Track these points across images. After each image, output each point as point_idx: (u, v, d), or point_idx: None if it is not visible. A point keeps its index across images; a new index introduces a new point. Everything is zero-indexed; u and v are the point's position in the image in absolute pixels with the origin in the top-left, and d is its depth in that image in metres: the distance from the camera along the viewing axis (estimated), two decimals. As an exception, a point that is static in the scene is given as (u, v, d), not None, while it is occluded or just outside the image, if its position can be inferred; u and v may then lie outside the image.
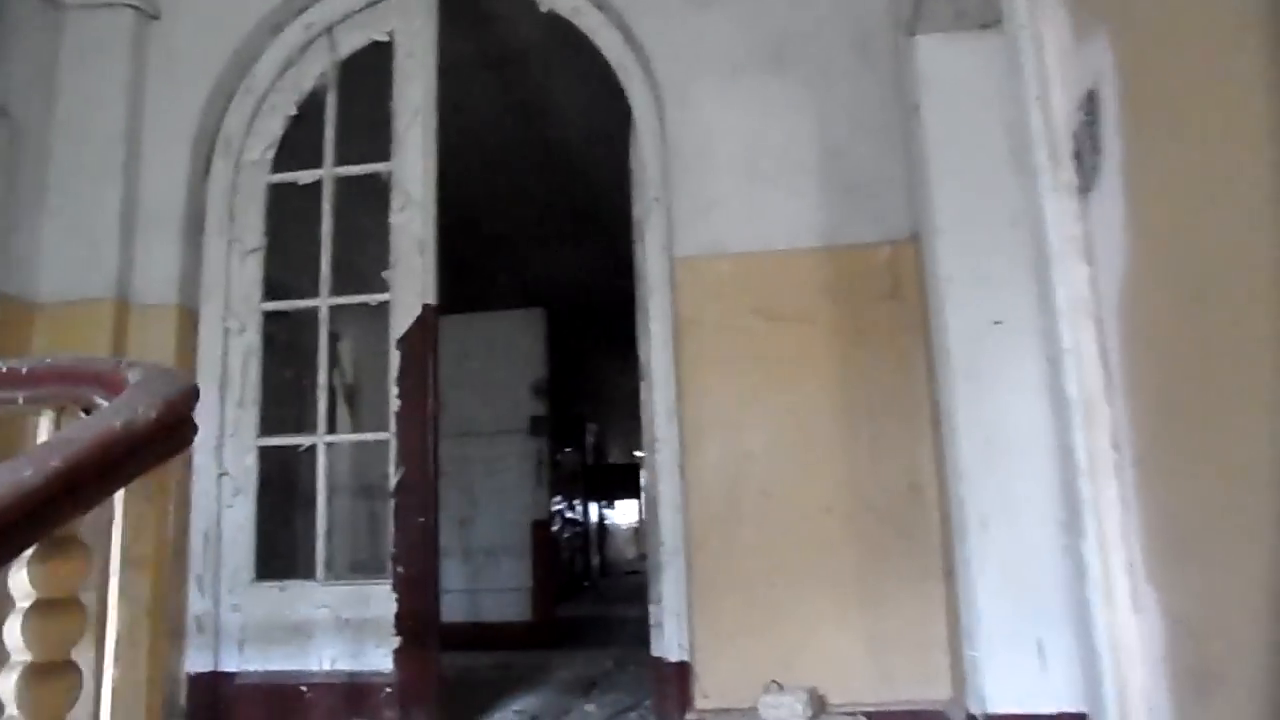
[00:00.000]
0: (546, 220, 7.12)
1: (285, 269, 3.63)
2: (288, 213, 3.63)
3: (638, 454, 19.79)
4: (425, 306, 3.40)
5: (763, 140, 3.22)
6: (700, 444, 3.08)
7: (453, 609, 5.76)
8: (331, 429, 3.46)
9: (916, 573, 2.87)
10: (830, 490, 2.96)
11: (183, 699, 3.29)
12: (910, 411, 2.95)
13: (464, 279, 7.73)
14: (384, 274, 3.46)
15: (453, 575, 5.90)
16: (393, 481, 3.32)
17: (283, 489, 3.65)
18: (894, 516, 2.92)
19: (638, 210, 3.43)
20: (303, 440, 3.44)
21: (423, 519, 3.29)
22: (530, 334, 6.09)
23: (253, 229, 3.58)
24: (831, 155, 3.18)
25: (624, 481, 15.30)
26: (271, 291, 3.57)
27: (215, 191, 3.59)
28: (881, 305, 3.05)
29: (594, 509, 14.54)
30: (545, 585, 5.82)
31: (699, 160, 3.23)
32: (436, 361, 3.40)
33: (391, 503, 3.32)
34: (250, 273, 3.55)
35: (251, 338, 3.52)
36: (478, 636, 5.73)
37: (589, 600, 9.80)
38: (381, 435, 3.38)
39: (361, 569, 4.55)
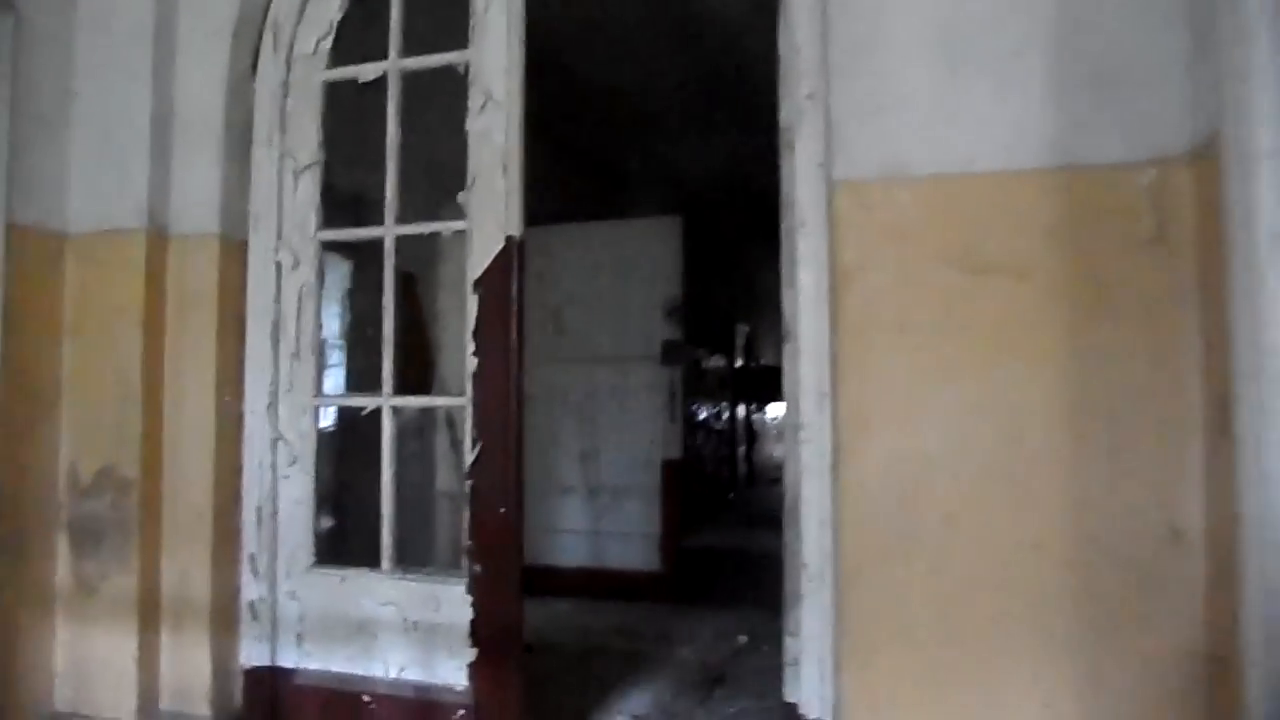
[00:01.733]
0: (690, 105, 6.21)
1: (347, 189, 2.97)
2: (347, 121, 2.94)
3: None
4: (508, 240, 2.67)
5: (963, 8, 2.24)
6: (861, 441, 2.26)
7: (573, 551, 5.25)
8: (405, 389, 2.84)
9: (1164, 654, 2.00)
10: (1043, 521, 2.10)
11: (238, 696, 2.85)
12: (1174, 418, 2.02)
13: (591, 176, 6.95)
14: (460, 196, 2.73)
15: (574, 514, 5.36)
16: (467, 460, 2.68)
17: (350, 457, 3.09)
18: (1138, 567, 2.03)
19: (786, 112, 2.53)
20: (365, 401, 2.84)
21: (504, 509, 2.65)
22: (665, 246, 5.29)
23: (307, 140, 2.91)
24: (1070, 29, 2.17)
25: (776, 383, 14.50)
26: (331, 217, 2.92)
27: (263, 94, 2.93)
28: (1137, 256, 2.08)
29: (743, 413, 13.87)
30: (675, 532, 5.19)
31: (872, 39, 2.30)
32: (522, 309, 2.69)
33: (466, 485, 2.69)
34: (305, 194, 2.91)
35: (307, 273, 2.90)
36: (599, 584, 5.21)
37: (731, 522, 9.19)
38: (456, 400, 2.72)
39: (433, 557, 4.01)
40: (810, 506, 2.38)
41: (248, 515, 2.87)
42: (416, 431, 3.27)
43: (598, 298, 5.36)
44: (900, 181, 2.23)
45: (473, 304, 2.69)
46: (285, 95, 2.93)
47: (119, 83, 2.84)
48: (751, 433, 14.80)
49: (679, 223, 5.32)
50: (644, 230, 5.38)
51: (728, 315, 12.37)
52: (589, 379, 5.36)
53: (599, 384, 5.34)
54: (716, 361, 11.68)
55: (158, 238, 2.83)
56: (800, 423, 2.40)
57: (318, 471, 2.90)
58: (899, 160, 2.23)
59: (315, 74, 2.92)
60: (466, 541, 2.68)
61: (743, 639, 4.28)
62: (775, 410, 16.30)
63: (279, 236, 2.91)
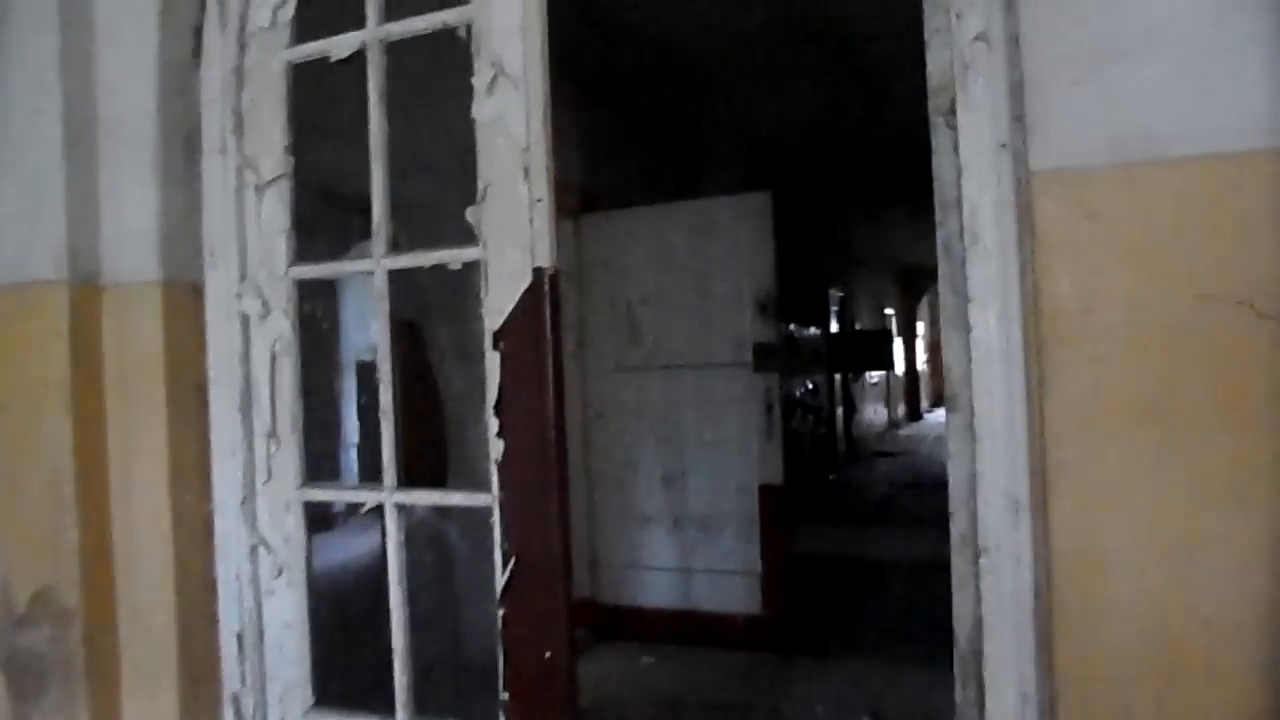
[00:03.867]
0: (764, 52, 5.30)
1: (326, 208, 2.22)
2: (320, 114, 2.19)
3: (889, 312, 17.78)
4: (537, 273, 1.88)
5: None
6: (1091, 585, 1.42)
7: (659, 592, 4.52)
8: (409, 478, 2.10)
9: None
10: None
11: None
12: None
13: (659, 147, 6.09)
14: (468, 213, 1.96)
15: (659, 550, 4.62)
16: (499, 581, 1.93)
17: (345, 566, 2.38)
18: None
19: (936, 65, 1.67)
20: (362, 496, 2.11)
21: (550, 652, 1.89)
22: (753, 229, 4.43)
23: (271, 144, 2.17)
24: None
25: (874, 350, 13.51)
26: (310, 246, 2.19)
27: (210, 85, 2.20)
28: None
29: (839, 382, 12.90)
30: (778, 569, 4.39)
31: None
32: (560, 367, 1.91)
33: (499, 615, 1.94)
34: (272, 217, 2.18)
35: (281, 324, 2.18)
36: (690, 629, 4.47)
37: (836, 514, 8.31)
38: (478, 498, 1.97)
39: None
40: (1001, 669, 1.55)
41: (226, 644, 2.20)
42: (435, 531, 2.54)
43: (677, 293, 4.56)
44: (1150, 169, 1.36)
45: (493, 364, 1.92)
46: (240, 86, 2.19)
47: (21, 86, 2.14)
48: (850, 403, 13.82)
49: (768, 200, 4.45)
50: (727, 210, 4.53)
51: (820, 280, 11.40)
52: (669, 390, 4.57)
53: (681, 396, 4.55)
54: (810, 331, 10.75)
55: (85, 289, 2.14)
56: (981, 542, 1.58)
57: (313, 584, 2.20)
58: (1146, 135, 1.35)
59: (276, 54, 2.17)
60: (503, 692, 1.94)
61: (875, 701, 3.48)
62: (874, 376, 15.26)
63: (242, 276, 2.19)
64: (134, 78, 2.14)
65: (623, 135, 5.45)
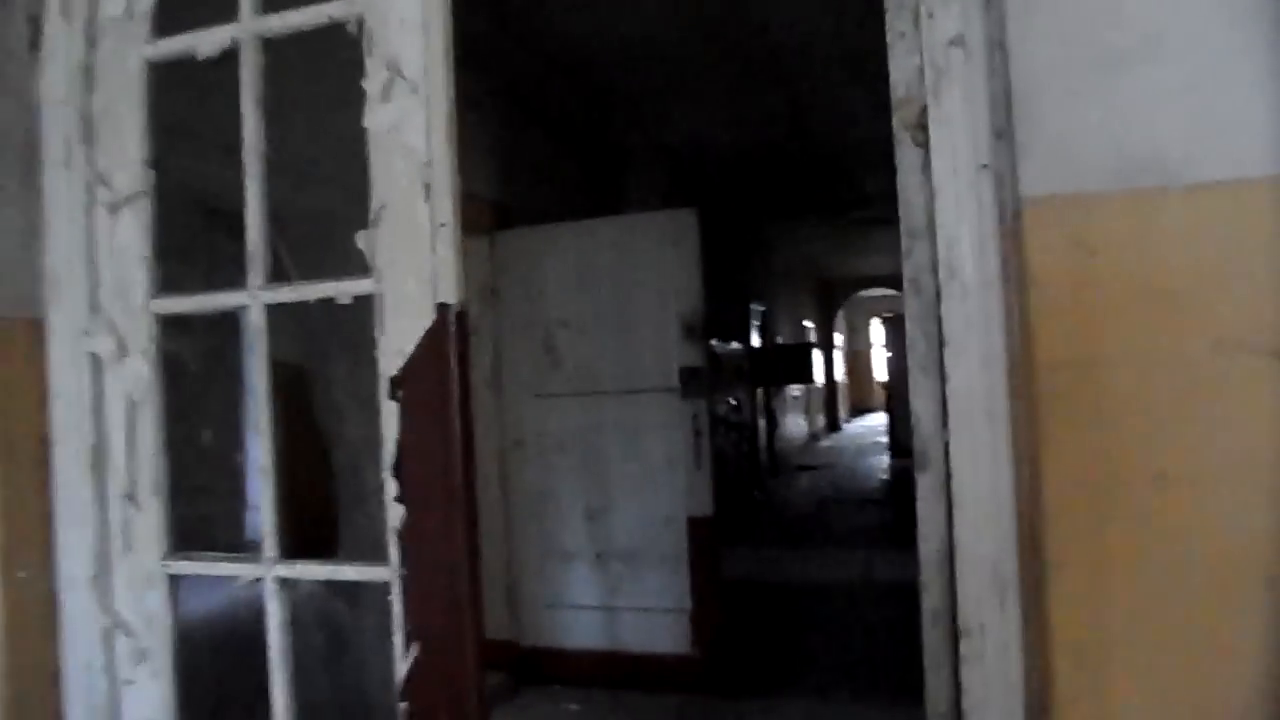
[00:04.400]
0: (692, 61, 5.13)
1: (209, 232, 1.91)
2: (186, 122, 1.88)
3: (807, 324, 17.83)
4: (441, 309, 1.61)
5: None
6: (1094, 694, 1.21)
7: (583, 632, 4.25)
8: (296, 547, 1.79)
9: None
10: None
11: None
12: None
13: (580, 159, 5.86)
14: (359, 238, 1.68)
15: (581, 588, 4.35)
16: (399, 671, 1.64)
17: (220, 647, 2.05)
18: None
19: (901, 72, 1.46)
20: (237, 570, 1.79)
21: (459, 760, 1.61)
22: (678, 247, 4.21)
23: (127, 155, 1.85)
24: None
25: (796, 364, 13.48)
26: (172, 276, 1.87)
27: (52, 84, 1.87)
28: None
29: (761, 397, 12.80)
30: (709, 605, 4.16)
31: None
32: (469, 420, 1.64)
33: (399, 710, 1.65)
34: (129, 240, 1.85)
35: (140, 366, 1.85)
36: (617, 671, 4.21)
37: (764, 533, 8.16)
38: (374, 571, 1.68)
39: None
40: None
41: (73, 746, 1.85)
42: (327, 608, 2.22)
43: (599, 315, 4.31)
44: (1160, 196, 1.17)
45: (390, 415, 1.64)
46: (89, 87, 1.86)
47: None
48: (772, 417, 13.76)
49: (694, 217, 4.23)
50: (651, 228, 4.30)
51: (742, 295, 11.30)
52: (592, 417, 4.32)
53: (605, 423, 4.30)
54: (733, 347, 10.62)
55: (-107, 326, 1.78)
56: (962, 622, 1.36)
57: (185, 670, 1.88)
58: (1160, 156, 1.16)
59: (132, 49, 1.85)
60: (405, 802, 1.65)
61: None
62: (795, 390, 15.25)
63: (93, 310, 1.86)
64: (-44, 75, 1.80)
65: (541, 148, 5.19)
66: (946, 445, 1.38)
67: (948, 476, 1.39)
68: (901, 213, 1.47)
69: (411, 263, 1.62)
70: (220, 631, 1.92)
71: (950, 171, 1.36)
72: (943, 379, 1.38)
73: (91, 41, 1.86)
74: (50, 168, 1.86)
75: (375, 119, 1.65)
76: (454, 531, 1.62)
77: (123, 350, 1.85)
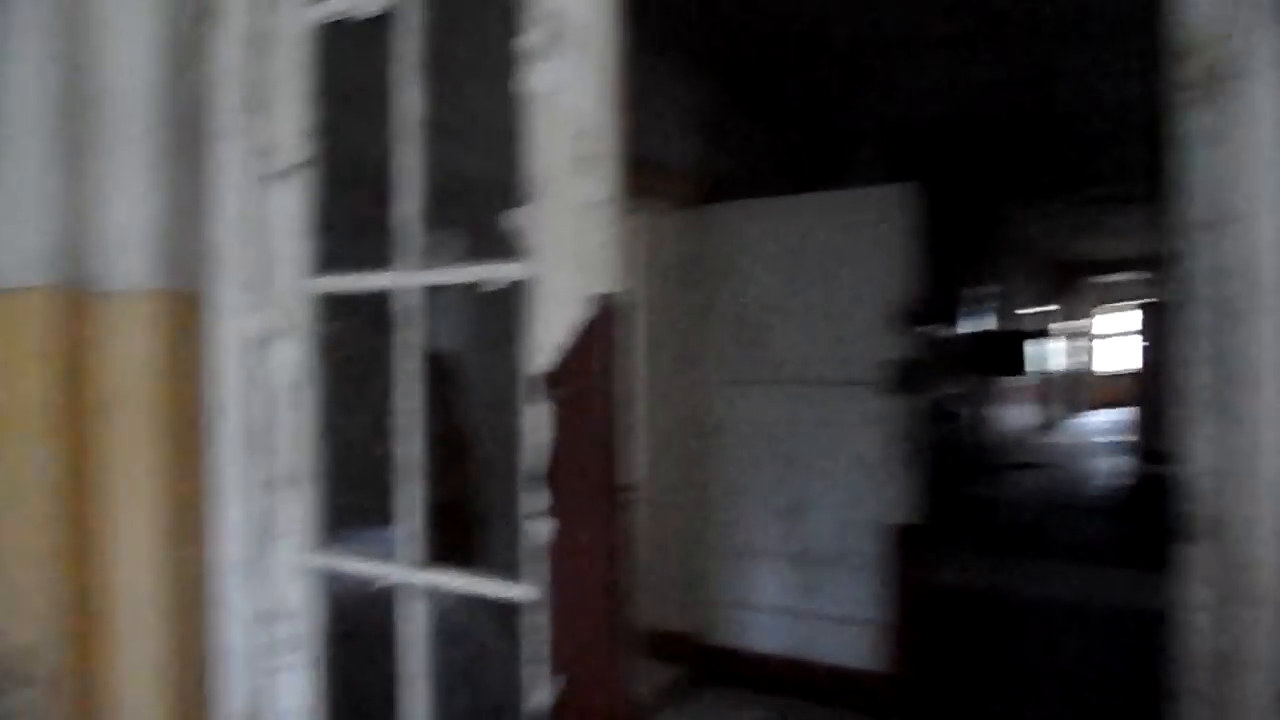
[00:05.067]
0: (918, 16, 4.62)
1: (353, 204, 1.79)
2: (344, 89, 1.75)
3: (1037, 310, 16.51)
4: (602, 302, 1.39)
5: None
6: None
7: (769, 635, 3.99)
8: (438, 552, 1.65)
9: None
10: None
11: None
12: None
13: (788, 128, 5.48)
14: (511, 217, 1.49)
15: (770, 588, 4.08)
16: (535, 697, 1.45)
17: (365, 643, 1.95)
18: None
19: (1196, 13, 1.08)
20: (381, 571, 1.67)
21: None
22: (896, 224, 3.81)
23: (290, 124, 1.76)
24: None
25: (1015, 353, 12.42)
26: (329, 253, 1.76)
27: (222, 53, 1.80)
28: None
29: (986, 387, 11.89)
30: (911, 622, 3.78)
31: None
32: (620, 428, 1.42)
33: (536, 753, 1.47)
34: (288, 214, 1.76)
35: (297, 348, 1.77)
36: (805, 680, 3.92)
37: (977, 542, 7.51)
38: (515, 590, 1.50)
39: None
40: None
41: (225, 731, 1.82)
42: (465, 623, 2.06)
43: (805, 298, 3.99)
44: None
45: (538, 418, 1.44)
46: (256, 54, 1.78)
47: (9, 61, 1.80)
48: (995, 409, 12.78)
49: (915, 192, 3.81)
50: (868, 204, 3.92)
51: (969, 278, 10.48)
52: (791, 408, 4.02)
53: (805, 415, 3.99)
54: (956, 333, 9.87)
55: (71, 299, 1.78)
56: None
57: (334, 664, 1.80)
58: None
59: (296, 14, 1.74)
60: None
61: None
62: (1023, 378, 14.09)
63: (252, 286, 1.78)
64: (131, 47, 1.76)
65: (745, 116, 4.88)
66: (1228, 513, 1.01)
67: (1226, 552, 1.02)
68: (1178, 197, 1.09)
69: (567, 245, 1.41)
70: (365, 627, 1.82)
71: (1265, 143, 0.97)
72: (1232, 419, 1.00)
73: (259, 7, 1.77)
74: (216, 140, 1.80)
75: (534, 80, 1.44)
76: (608, 552, 1.41)
77: (279, 330, 1.77)
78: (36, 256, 1.75)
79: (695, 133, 4.28)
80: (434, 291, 1.61)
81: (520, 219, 1.46)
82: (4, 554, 1.81)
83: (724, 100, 4.58)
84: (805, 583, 3.96)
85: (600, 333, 1.40)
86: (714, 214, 4.23)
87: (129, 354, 1.76)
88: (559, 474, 1.44)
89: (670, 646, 4.30)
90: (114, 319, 1.78)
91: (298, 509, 1.77)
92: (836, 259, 3.89)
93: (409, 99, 1.58)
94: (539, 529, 1.45)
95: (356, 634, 1.83)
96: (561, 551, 1.44)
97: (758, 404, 4.08)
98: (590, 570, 1.42)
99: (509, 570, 1.50)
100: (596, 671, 1.43)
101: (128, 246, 1.76)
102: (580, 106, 1.39)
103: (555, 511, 1.44)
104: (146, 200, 1.74)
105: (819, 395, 3.92)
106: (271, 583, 1.80)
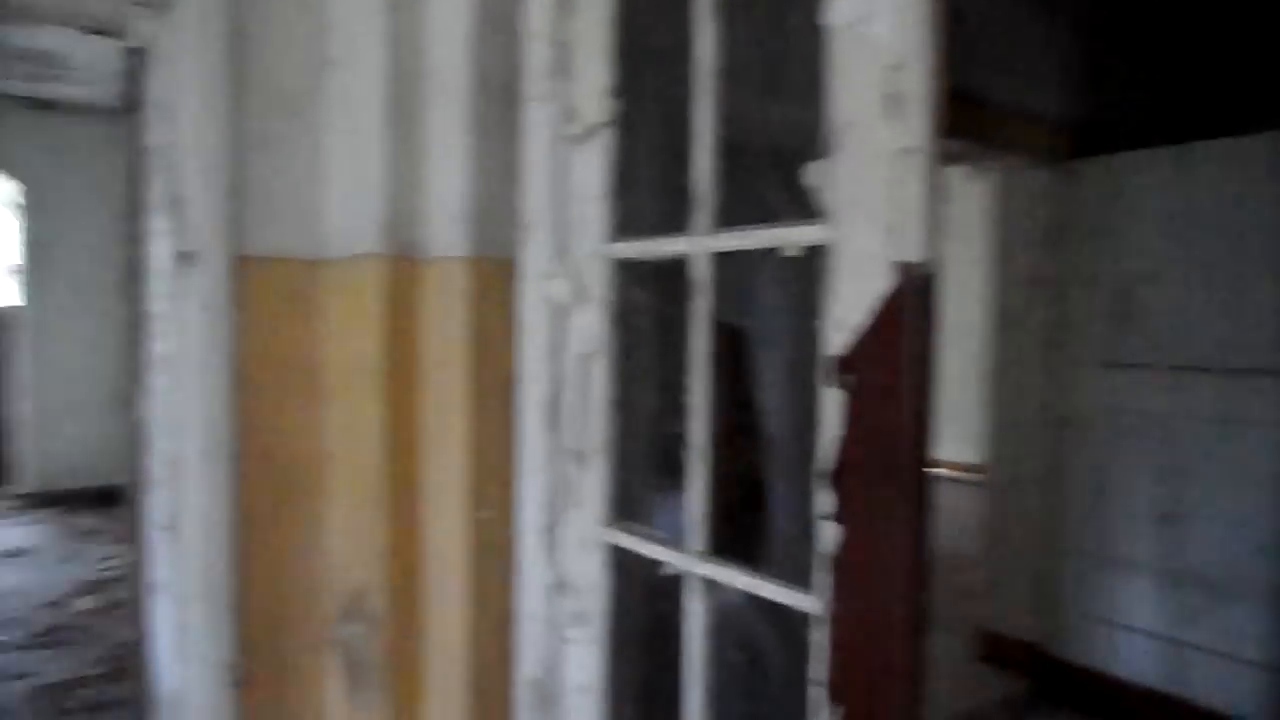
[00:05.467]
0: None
1: (648, 165, 1.69)
2: (647, 47, 1.65)
3: None
4: (907, 271, 1.16)
5: None
6: None
7: (1135, 661, 3.45)
8: (721, 543, 1.51)
9: None
10: None
11: None
12: None
13: (1173, 65, 4.56)
14: (809, 172, 1.29)
15: (1139, 607, 3.50)
16: (815, 730, 1.28)
17: (649, 625, 1.85)
18: None
19: None
20: (664, 556, 1.57)
21: None
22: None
23: (592, 84, 1.70)
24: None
25: None
26: (628, 217, 1.68)
27: (534, 13, 1.77)
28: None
29: None
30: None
31: None
32: (919, 426, 1.18)
33: (814, 780, 1.30)
34: (589, 177, 1.71)
35: (593, 316, 1.72)
36: (1164, 718, 3.32)
37: None
38: (797, 598, 1.33)
39: None
40: None
41: (520, 691, 1.85)
42: (746, 621, 1.84)
43: (1198, 267, 3.33)
44: None
45: (830, 407, 1.25)
46: (566, 14, 1.73)
47: (345, 35, 1.92)
48: None
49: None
50: (1274, 152, 3.15)
51: None
52: (1176, 399, 3.38)
53: (1193, 408, 3.34)
54: None
55: (402, 264, 1.87)
56: None
57: (618, 641, 1.76)
58: None
59: (603, -34, 1.67)
60: None
61: None
62: None
63: (556, 252, 1.76)
64: (451, 18, 1.80)
65: (1122, 51, 4.14)
66: None
67: None
68: None
69: (871, 203, 1.20)
70: (650, 610, 1.75)
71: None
72: None
73: (570, -38, 1.72)
74: (527, 103, 1.79)
75: (835, 9, 1.23)
76: (900, 571, 1.20)
77: (579, 296, 1.73)
78: (374, 225, 1.86)
79: (1063, 77, 3.71)
80: (728, 258, 1.47)
81: (819, 174, 1.26)
82: (350, 500, 1.98)
83: (1100, 40, 3.93)
84: (1179, 606, 3.34)
85: (904, 310, 1.17)
86: (1085, 169, 3.66)
87: (447, 319, 1.83)
88: (846, 474, 1.24)
89: (1011, 654, 3.87)
90: (435, 285, 1.85)
91: (591, 482, 1.73)
92: (1240, 220, 3.18)
93: (704, 46, 1.44)
94: (827, 533, 1.26)
95: (642, 616, 1.77)
96: (846, 564, 1.24)
97: (1132, 391, 3.48)
98: (877, 589, 1.22)
99: (799, 575, 1.33)
100: (877, 711, 1.22)
101: (448, 214, 1.81)
102: (890, 37, 1.16)
103: (841, 517, 1.25)
104: (464, 169, 1.78)
105: (1209, 384, 3.25)
106: (564, 554, 1.78)
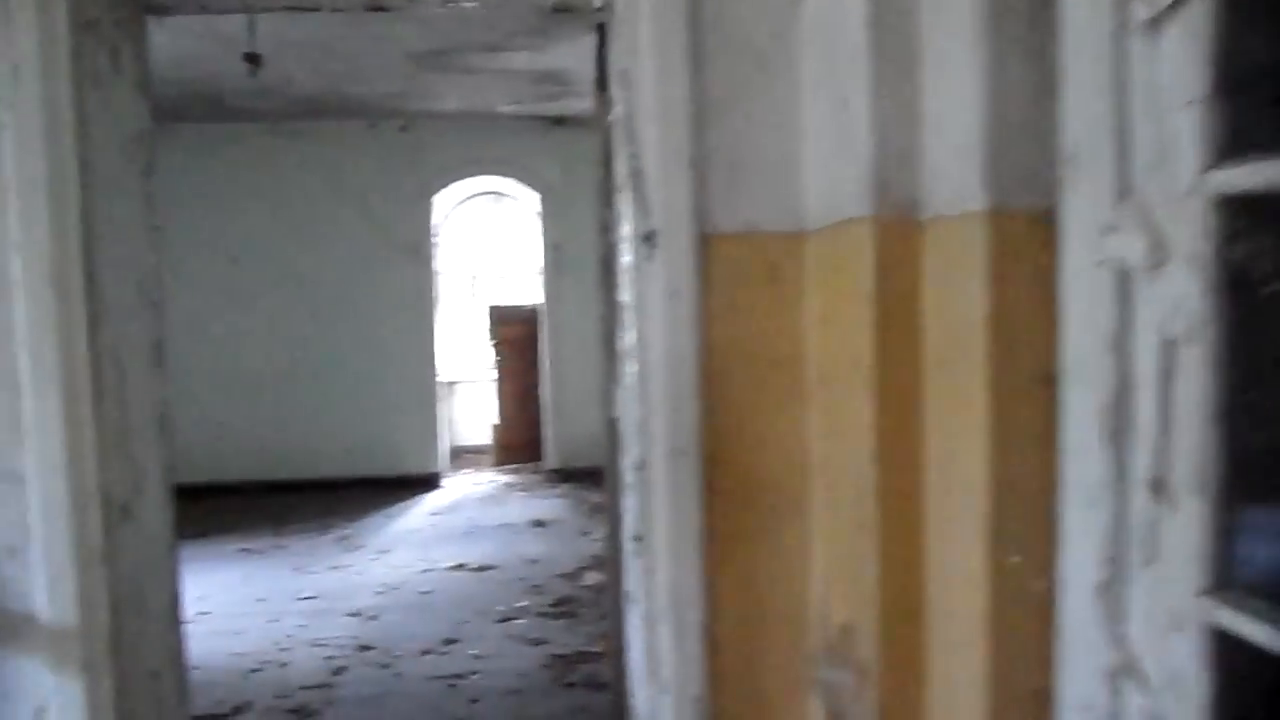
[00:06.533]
0: None
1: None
2: None
3: None
4: None
5: None
6: None
7: None
8: None
9: None
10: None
11: None
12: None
13: None
14: None
15: None
16: None
17: None
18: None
19: None
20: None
21: None
22: None
23: (1180, -64, 1.13)
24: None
25: None
26: (1242, 131, 1.09)
27: None
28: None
29: None
30: None
31: None
32: None
33: None
34: (1172, 77, 1.14)
35: (1183, 283, 1.15)
36: None
37: None
38: None
39: None
40: None
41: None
42: None
43: None
44: None
45: None
46: None
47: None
48: None
49: None
50: None
51: None
52: None
53: None
54: None
55: (897, 228, 1.47)
56: None
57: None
58: None
59: None
60: None
61: None
62: None
63: (1120, 193, 1.22)
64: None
65: None
66: None
67: None
68: None
69: None
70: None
71: None
72: None
73: None
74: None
75: None
76: None
77: (1158, 255, 1.18)
78: (860, 181, 1.49)
79: None
80: None
81: None
82: (833, 520, 1.64)
83: None
84: None
85: None
86: None
87: (957, 296, 1.39)
88: None
89: None
90: (940, 251, 1.42)
91: (1181, 528, 1.17)
92: None
93: None
94: None
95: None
96: None
97: None
98: None
99: None
100: None
101: (955, 152, 1.38)
102: None
103: None
104: (977, 87, 1.32)
105: None
106: (1134, 627, 1.25)
